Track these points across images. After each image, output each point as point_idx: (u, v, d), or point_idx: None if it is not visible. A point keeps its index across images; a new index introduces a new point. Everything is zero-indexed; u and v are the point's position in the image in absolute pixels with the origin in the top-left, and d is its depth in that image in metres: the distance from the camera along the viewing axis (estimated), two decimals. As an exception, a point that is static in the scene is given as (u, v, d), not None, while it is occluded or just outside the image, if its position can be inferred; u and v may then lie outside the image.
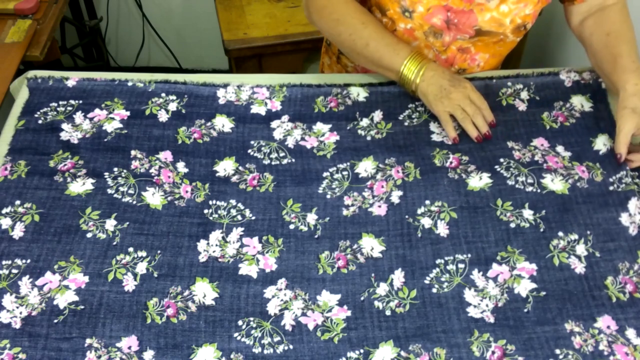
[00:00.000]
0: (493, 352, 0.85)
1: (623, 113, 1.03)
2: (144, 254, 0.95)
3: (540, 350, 0.85)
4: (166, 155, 1.07)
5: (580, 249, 0.95)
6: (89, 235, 0.96)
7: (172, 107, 1.14)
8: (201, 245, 0.96)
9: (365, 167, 1.06)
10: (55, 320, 0.87)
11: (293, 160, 1.08)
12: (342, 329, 0.88)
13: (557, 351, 0.85)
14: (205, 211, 1.01)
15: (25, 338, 0.85)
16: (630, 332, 0.87)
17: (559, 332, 0.87)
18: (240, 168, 1.07)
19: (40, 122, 1.10)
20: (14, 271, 0.92)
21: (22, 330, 0.86)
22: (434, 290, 0.92)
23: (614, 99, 1.14)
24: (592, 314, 0.89)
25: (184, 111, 1.13)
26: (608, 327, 0.87)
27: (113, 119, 1.11)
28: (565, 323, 0.88)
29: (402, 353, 0.85)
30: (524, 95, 1.17)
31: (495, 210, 1.00)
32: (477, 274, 0.93)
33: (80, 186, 1.01)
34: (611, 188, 1.03)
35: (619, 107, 1.04)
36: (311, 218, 1.00)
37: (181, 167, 1.06)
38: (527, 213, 0.99)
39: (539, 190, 1.02)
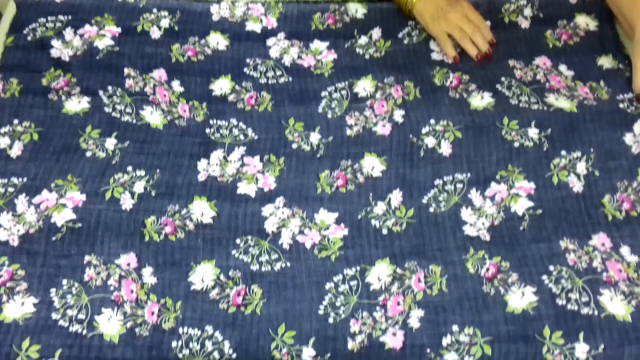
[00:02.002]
0: (488, 269, 0.86)
1: (638, 51, 1.00)
2: (142, 173, 0.94)
3: (534, 267, 0.86)
4: (160, 74, 1.05)
5: (581, 167, 0.96)
6: (89, 154, 0.95)
7: (165, 23, 1.11)
8: (201, 165, 0.96)
9: (364, 86, 1.05)
10: (54, 238, 0.87)
11: (290, 79, 1.06)
12: (339, 247, 0.89)
13: (551, 268, 0.86)
14: (207, 131, 1.00)
15: (24, 255, 0.86)
16: (625, 250, 0.88)
17: (554, 250, 0.88)
18: (237, 87, 1.05)
19: (29, 39, 1.07)
20: (10, 190, 0.91)
21: (21, 248, 0.86)
22: (431, 210, 0.92)
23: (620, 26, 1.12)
24: (588, 232, 0.90)
25: (177, 28, 1.11)
26: (603, 244, 0.89)
27: (104, 36, 1.08)
28: (560, 241, 0.89)
29: (398, 270, 0.86)
30: (528, 12, 1.14)
31: (500, 130, 0.99)
32: (475, 193, 0.93)
33: (77, 105, 1.00)
34: (621, 106, 1.02)
35: (635, 45, 1.01)
36: (314, 138, 0.99)
37: (176, 86, 1.04)
38: (533, 132, 0.99)
39: (545, 108, 1.01)
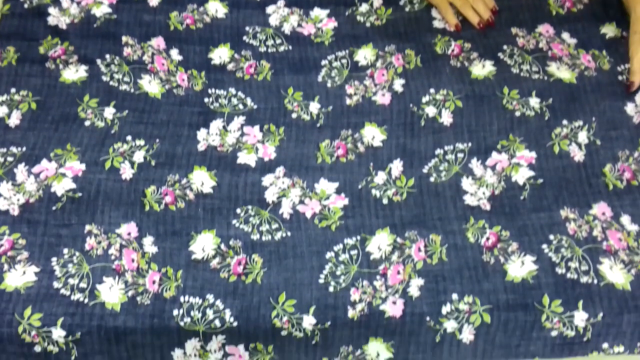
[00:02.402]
0: (487, 238, 0.87)
1: (634, 39, 0.98)
2: (142, 142, 0.94)
3: (534, 236, 0.87)
4: (158, 42, 1.04)
5: (582, 136, 0.95)
6: (87, 123, 0.95)
7: None
8: (201, 134, 0.95)
9: (365, 54, 1.04)
10: (54, 208, 0.87)
11: (290, 47, 1.05)
12: (339, 217, 0.89)
13: (551, 237, 0.86)
14: (206, 100, 0.99)
15: (24, 224, 0.86)
16: (625, 219, 0.88)
17: (554, 219, 0.88)
18: (236, 56, 1.04)
19: (26, 6, 1.06)
20: (10, 159, 0.91)
21: (21, 217, 0.86)
22: (432, 180, 0.92)
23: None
24: (588, 201, 0.90)
25: None
26: (603, 213, 0.89)
27: (101, 3, 1.07)
28: (560, 210, 0.89)
29: (398, 239, 0.87)
30: None
31: (501, 99, 0.99)
32: (475, 162, 0.93)
33: (74, 73, 0.99)
34: (620, 78, 1.01)
35: (630, 31, 0.99)
36: (314, 107, 0.99)
37: (175, 54, 1.03)
38: (534, 101, 0.98)
39: (545, 78, 1.01)
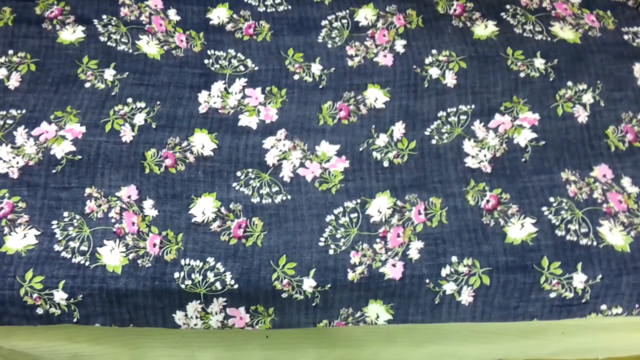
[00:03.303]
0: (487, 201, 0.86)
1: None
2: (142, 104, 0.93)
3: (534, 198, 0.87)
4: (156, 2, 1.02)
5: (587, 97, 0.94)
6: (87, 85, 0.94)
7: None
8: (202, 96, 0.94)
9: (365, 14, 1.02)
10: (53, 170, 0.87)
11: (289, 7, 1.04)
12: (339, 180, 0.89)
13: (551, 199, 0.86)
14: (206, 61, 0.98)
15: (24, 187, 0.86)
16: (626, 181, 0.88)
17: (555, 181, 0.88)
18: (235, 16, 1.02)
19: (21, -35, 1.04)
20: (9, 122, 0.90)
21: (20, 180, 0.86)
22: (433, 142, 0.91)
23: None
24: (589, 163, 0.89)
25: None
26: (604, 175, 0.88)
27: (97, -38, 1.05)
28: (561, 172, 0.88)
29: (398, 202, 0.87)
30: None
31: (505, 60, 0.97)
32: (478, 124, 0.92)
33: (71, 34, 0.98)
34: (626, 37, 1.00)
35: None
36: (316, 68, 0.98)
37: (172, 14, 1.02)
38: (539, 62, 0.97)
39: (549, 39, 0.99)
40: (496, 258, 0.83)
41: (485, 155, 0.90)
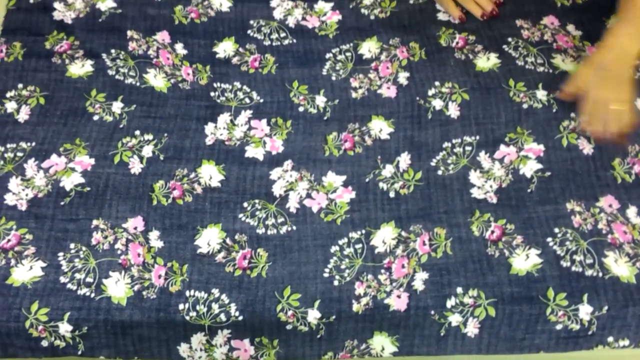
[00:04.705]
0: (492, 232, 0.86)
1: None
2: (150, 137, 0.94)
3: (539, 229, 0.86)
4: (163, 36, 1.04)
5: None
6: (96, 117, 0.95)
7: None
8: (209, 128, 0.95)
9: (369, 47, 1.04)
10: (62, 202, 0.88)
11: (294, 40, 1.05)
12: (345, 211, 0.89)
13: (556, 230, 0.86)
14: (212, 94, 0.99)
15: (32, 219, 0.86)
16: (631, 211, 0.88)
17: (560, 212, 0.88)
18: (241, 49, 1.04)
19: (31, 1, 1.06)
20: (19, 154, 0.92)
21: (29, 212, 0.87)
22: (439, 172, 0.92)
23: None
24: (595, 194, 0.89)
25: None
26: (610, 206, 0.88)
27: (107, -3, 1.07)
28: (566, 203, 0.88)
29: (403, 233, 0.87)
30: None
31: (508, 91, 0.98)
32: (483, 155, 0.93)
33: (80, 68, 0.99)
34: None
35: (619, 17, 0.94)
36: (320, 100, 0.99)
37: (179, 48, 1.03)
38: (541, 94, 0.98)
39: (551, 71, 1.00)
40: (501, 289, 0.82)
41: (491, 186, 0.90)
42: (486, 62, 1.01)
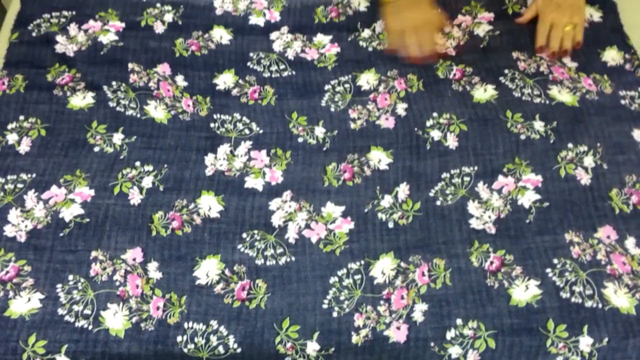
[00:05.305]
0: (491, 262, 0.86)
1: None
2: (150, 168, 0.95)
3: (538, 259, 0.86)
4: (164, 68, 1.05)
5: (588, 161, 0.95)
6: (97, 149, 0.96)
7: (168, 18, 1.11)
8: (208, 159, 0.96)
9: (367, 79, 1.05)
10: (61, 234, 0.88)
11: (293, 72, 1.06)
12: (344, 241, 0.89)
13: (555, 260, 0.86)
14: (212, 125, 1.00)
15: (31, 251, 0.86)
16: (630, 242, 0.88)
17: (558, 242, 0.88)
18: (240, 81, 1.05)
19: (34, 34, 1.08)
20: (20, 186, 0.92)
21: (28, 244, 0.87)
22: (438, 203, 0.92)
23: (624, 9, 1.11)
24: (594, 224, 0.89)
25: (180, 22, 1.11)
26: (608, 236, 0.88)
27: (108, 30, 1.08)
28: (565, 233, 0.88)
29: (402, 264, 0.87)
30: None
31: (505, 122, 0.99)
32: (482, 186, 0.93)
33: (81, 100, 1.00)
34: (623, 102, 1.02)
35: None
36: (319, 131, 0.99)
37: (180, 80, 1.05)
38: (538, 125, 0.98)
39: (547, 102, 1.01)
40: (501, 320, 0.82)
41: (489, 217, 0.90)
42: (483, 93, 1.02)
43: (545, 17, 1.07)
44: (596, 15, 1.12)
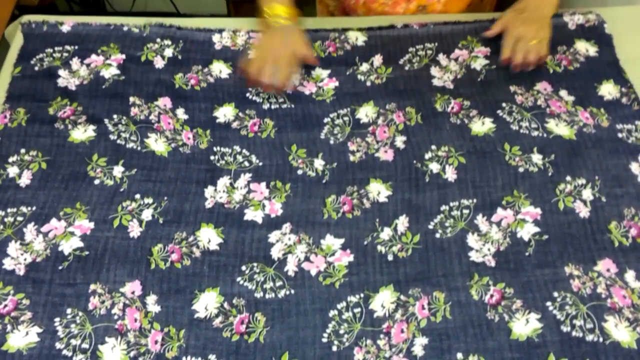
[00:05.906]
0: (492, 296, 0.86)
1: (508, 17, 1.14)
2: (150, 200, 0.95)
3: (538, 292, 0.86)
4: (165, 102, 1.06)
5: (587, 194, 0.96)
6: (97, 182, 0.96)
7: (168, 52, 1.12)
8: (208, 191, 0.96)
9: (366, 112, 1.06)
10: (60, 267, 0.88)
11: (292, 105, 1.07)
12: (343, 274, 0.89)
13: (555, 294, 0.86)
14: (212, 157, 1.00)
15: (29, 284, 0.86)
16: (630, 275, 0.88)
17: (558, 275, 0.87)
18: (240, 114, 1.06)
19: (36, 68, 1.09)
20: (19, 219, 0.92)
21: (26, 277, 0.87)
22: (437, 235, 0.92)
23: (619, 43, 1.13)
24: (593, 257, 0.89)
25: (180, 57, 1.12)
26: (608, 270, 0.88)
27: (110, 64, 1.09)
28: (565, 266, 0.88)
29: (402, 297, 0.86)
30: None
31: (503, 155, 0.99)
32: (481, 218, 0.93)
33: (82, 133, 1.01)
34: (620, 135, 1.02)
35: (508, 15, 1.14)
36: (318, 164, 1.00)
37: (181, 113, 1.05)
38: (536, 157, 0.99)
39: (545, 135, 1.02)
40: (502, 354, 0.81)
41: (489, 249, 0.90)
42: (481, 126, 1.03)
43: (512, 30, 1.10)
44: (592, 49, 1.13)
